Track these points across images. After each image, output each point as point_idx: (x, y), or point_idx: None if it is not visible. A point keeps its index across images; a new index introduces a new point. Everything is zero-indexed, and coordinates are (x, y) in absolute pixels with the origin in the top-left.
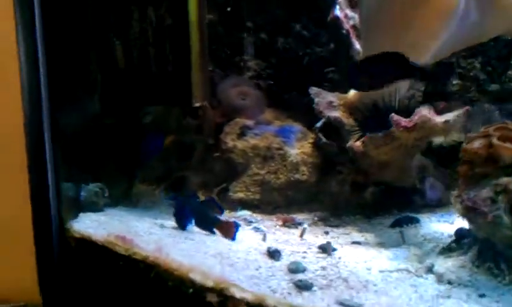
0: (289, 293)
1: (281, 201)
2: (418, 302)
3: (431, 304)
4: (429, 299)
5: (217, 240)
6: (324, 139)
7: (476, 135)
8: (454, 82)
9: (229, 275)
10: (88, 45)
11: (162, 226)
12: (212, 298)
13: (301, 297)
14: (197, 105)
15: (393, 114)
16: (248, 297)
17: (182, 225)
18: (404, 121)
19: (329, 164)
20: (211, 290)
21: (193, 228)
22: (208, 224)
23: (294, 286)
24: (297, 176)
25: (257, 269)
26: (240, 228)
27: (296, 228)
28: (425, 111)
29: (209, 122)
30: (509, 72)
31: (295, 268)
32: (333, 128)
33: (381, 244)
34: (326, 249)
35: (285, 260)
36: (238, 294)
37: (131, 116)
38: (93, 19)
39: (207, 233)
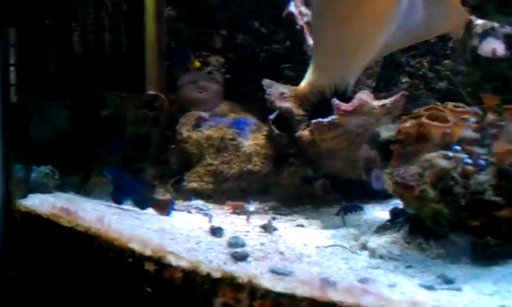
0: (225, 263)
1: (234, 191)
2: (348, 272)
3: (360, 273)
4: (358, 269)
5: (162, 219)
6: (276, 131)
7: (408, 116)
8: (403, 80)
9: (168, 246)
10: (44, 31)
11: (109, 206)
12: (149, 266)
13: (236, 266)
14: (150, 93)
15: (334, 98)
16: (184, 264)
17: (118, 200)
18: (344, 105)
19: (282, 156)
20: (149, 258)
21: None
22: (144, 201)
23: (231, 257)
24: (249, 166)
25: (197, 243)
26: (189, 213)
27: (245, 214)
28: (364, 96)
29: (166, 114)
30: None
31: (234, 243)
32: (285, 120)
33: (323, 227)
34: (267, 228)
35: (226, 238)
36: (174, 262)
37: (88, 105)
38: (51, 4)
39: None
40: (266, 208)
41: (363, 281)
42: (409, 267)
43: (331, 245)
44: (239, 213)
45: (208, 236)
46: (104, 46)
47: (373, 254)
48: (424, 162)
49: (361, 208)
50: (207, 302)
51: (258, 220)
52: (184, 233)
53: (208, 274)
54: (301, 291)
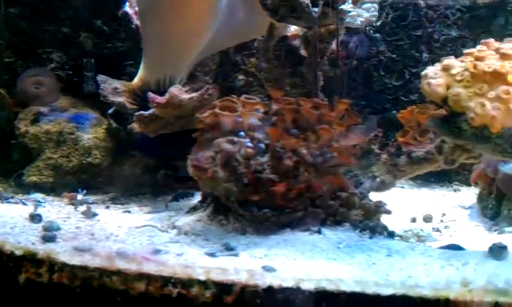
0: (33, 244)
1: (75, 184)
2: (147, 247)
3: (158, 247)
4: (157, 244)
5: None
6: (114, 124)
7: (207, 107)
8: (240, 77)
9: None
10: None
11: None
12: None
13: (43, 246)
14: None
15: (149, 92)
16: None
17: None
18: (158, 99)
19: (123, 148)
20: None
21: None
22: None
23: (40, 239)
24: (89, 159)
25: (12, 228)
26: (24, 205)
27: (82, 205)
28: (174, 90)
29: (5, 110)
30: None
31: (48, 227)
32: (122, 114)
33: (149, 212)
34: (86, 214)
35: (44, 223)
36: None
37: None
38: None
39: None
40: (106, 198)
41: (155, 252)
42: (205, 240)
43: (142, 226)
44: (74, 204)
45: (26, 222)
46: None
47: (180, 231)
48: (216, 146)
49: (192, 195)
50: (13, 278)
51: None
52: (2, 220)
53: (12, 252)
54: (93, 262)
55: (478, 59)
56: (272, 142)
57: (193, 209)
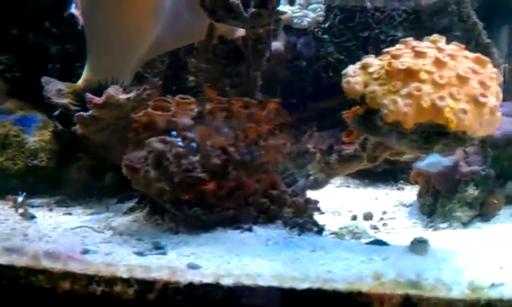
0: None
1: (21, 187)
2: (78, 247)
3: (88, 247)
4: (88, 244)
5: None
6: (60, 127)
7: (141, 107)
8: (190, 78)
9: None
10: None
11: None
12: None
13: None
14: None
15: (87, 93)
16: None
17: None
18: (95, 99)
19: (70, 151)
20: None
21: None
22: None
23: None
24: (35, 162)
25: None
26: None
27: (22, 207)
28: (111, 90)
29: None
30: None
31: None
32: (68, 116)
33: (90, 214)
34: (24, 215)
35: None
36: None
37: None
38: None
39: None
40: (52, 201)
41: (84, 251)
42: (138, 239)
43: (78, 227)
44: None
45: None
46: None
47: (115, 232)
48: (148, 146)
49: (135, 196)
50: None
51: (33, 212)
52: None
53: None
54: (19, 262)
55: (394, 57)
56: (202, 141)
57: (131, 210)
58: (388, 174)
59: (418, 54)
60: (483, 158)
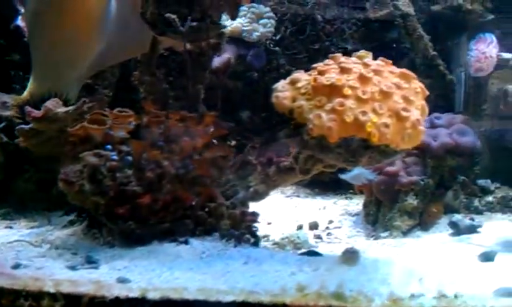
0: None
1: None
2: (11, 261)
3: (21, 262)
4: (22, 258)
5: None
6: (5, 139)
7: (80, 120)
8: (142, 90)
9: None
10: None
11: None
12: None
13: None
14: None
15: (27, 106)
16: None
17: None
18: (34, 112)
19: (17, 163)
20: None
21: None
22: None
23: None
24: None
25: None
26: None
27: None
28: (50, 103)
29: None
30: None
31: None
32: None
33: (32, 227)
34: None
35: None
36: None
37: None
38: None
39: None
40: None
41: (15, 266)
42: (73, 253)
43: (15, 241)
44: None
45: None
46: None
47: (52, 246)
48: (83, 160)
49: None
50: None
51: None
52: None
53: None
54: None
55: (320, 72)
56: (136, 154)
57: (70, 223)
58: (336, 183)
59: (344, 70)
60: (422, 168)
